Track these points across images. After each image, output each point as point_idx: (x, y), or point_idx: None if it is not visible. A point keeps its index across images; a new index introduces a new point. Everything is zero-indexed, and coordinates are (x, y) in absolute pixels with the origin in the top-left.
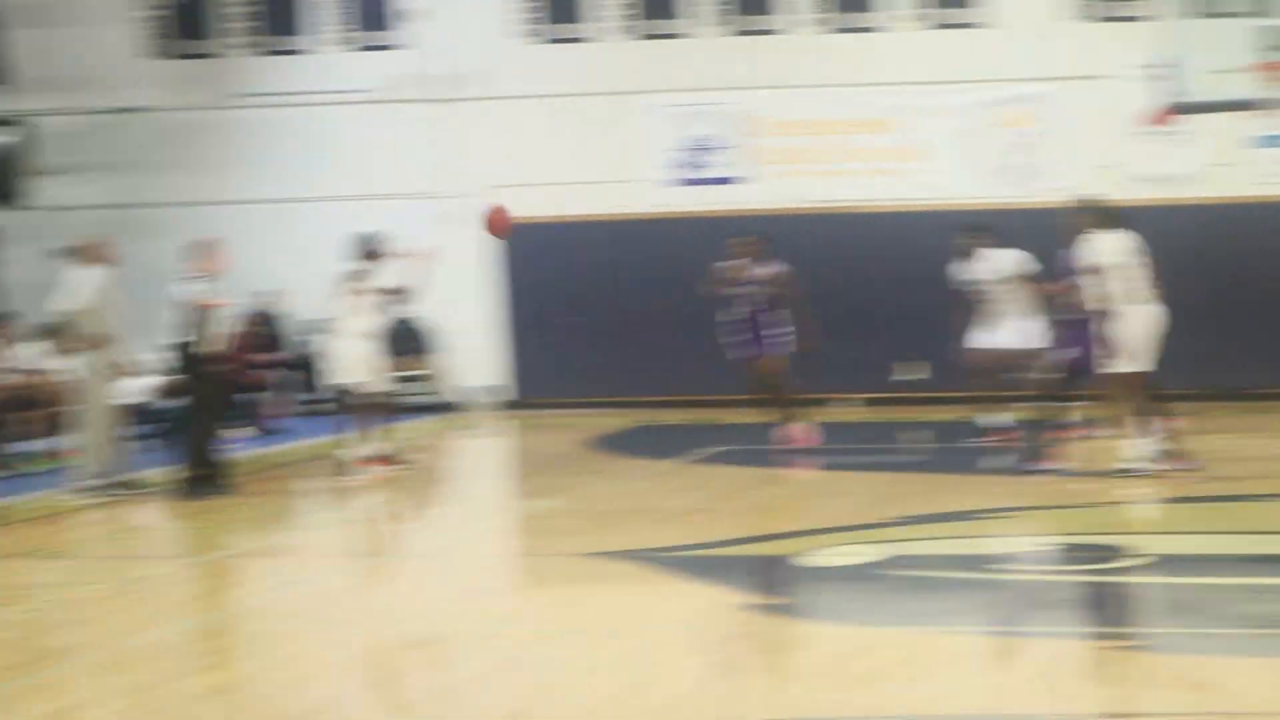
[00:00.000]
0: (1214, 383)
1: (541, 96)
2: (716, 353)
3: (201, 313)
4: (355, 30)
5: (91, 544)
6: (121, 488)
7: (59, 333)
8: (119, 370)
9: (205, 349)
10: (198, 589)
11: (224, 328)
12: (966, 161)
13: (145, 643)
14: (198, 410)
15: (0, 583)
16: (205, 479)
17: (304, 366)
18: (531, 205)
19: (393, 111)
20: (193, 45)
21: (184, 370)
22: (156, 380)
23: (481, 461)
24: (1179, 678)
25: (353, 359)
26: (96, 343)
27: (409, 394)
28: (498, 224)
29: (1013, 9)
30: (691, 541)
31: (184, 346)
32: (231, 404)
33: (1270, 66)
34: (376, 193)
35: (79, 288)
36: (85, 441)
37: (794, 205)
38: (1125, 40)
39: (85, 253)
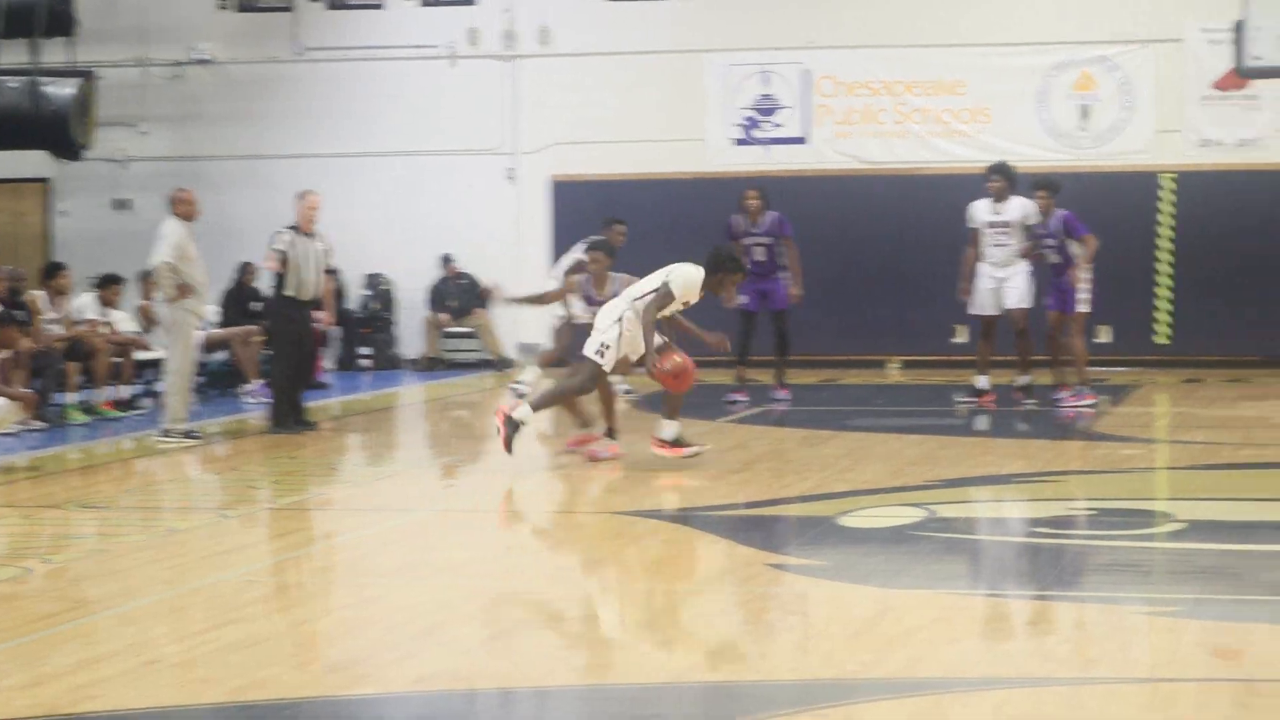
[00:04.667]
0: (1265, 350)
1: (607, 54)
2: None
3: (297, 259)
4: None
5: (135, 494)
6: (192, 436)
7: (153, 282)
8: (199, 320)
9: (299, 295)
10: (230, 542)
11: (318, 276)
12: (1035, 124)
13: (184, 593)
14: (287, 356)
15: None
16: (292, 422)
17: (366, 322)
18: (591, 162)
19: (461, 67)
20: None
21: (276, 315)
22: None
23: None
24: (1211, 644)
25: None
26: (185, 292)
27: (460, 350)
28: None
29: None
30: (729, 501)
31: (278, 292)
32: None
33: None
34: (443, 148)
35: (169, 239)
36: (170, 390)
37: (856, 166)
38: (1197, 4)
39: (175, 204)
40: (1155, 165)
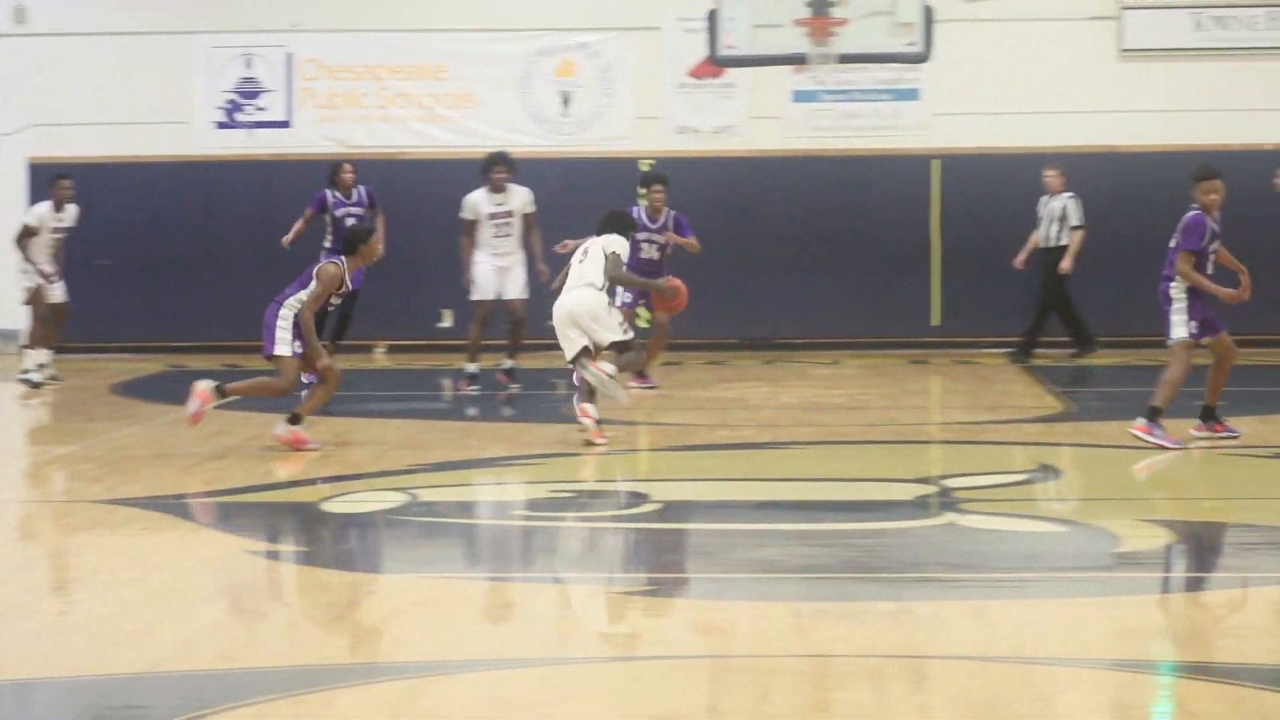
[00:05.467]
0: (743, 333)
1: (83, 34)
2: (253, 298)
3: None
4: None
5: None
6: None
7: None
8: None
9: None
10: None
11: None
12: (518, 110)
13: None
14: None
15: None
16: None
17: None
18: (71, 145)
19: None
20: None
21: None
22: None
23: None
24: (691, 622)
25: None
26: None
27: None
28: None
29: None
30: (210, 488)
31: None
32: None
33: (814, 22)
34: None
35: None
36: None
37: (339, 150)
38: None
39: None
40: (635, 152)
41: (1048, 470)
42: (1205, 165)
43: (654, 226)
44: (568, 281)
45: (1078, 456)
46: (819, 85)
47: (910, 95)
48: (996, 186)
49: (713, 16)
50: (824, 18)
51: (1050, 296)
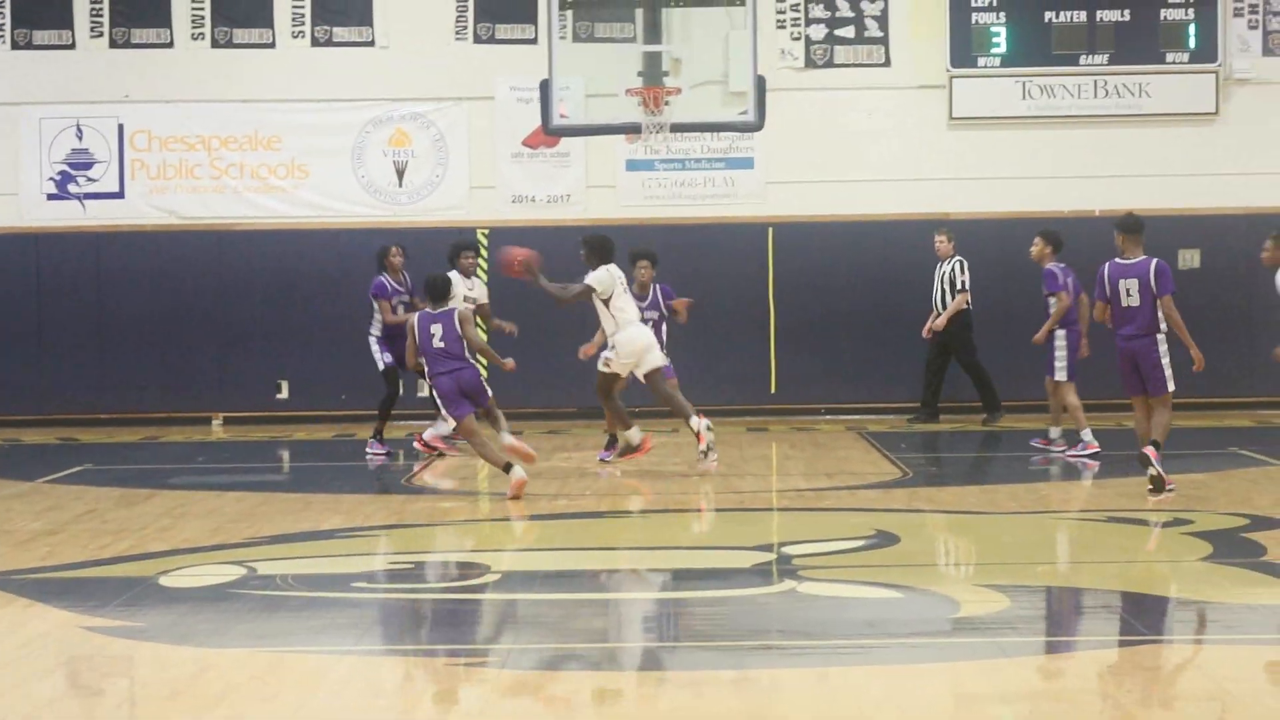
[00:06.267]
0: (580, 402)
1: None
2: (84, 369)
3: None
4: None
5: None
6: None
7: None
8: None
9: None
10: None
11: None
12: (352, 180)
13: None
14: None
15: None
16: None
17: None
18: None
19: None
20: None
21: None
22: None
23: None
24: (532, 692)
25: None
26: None
27: None
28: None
29: (399, 28)
30: (44, 564)
31: None
32: None
33: (648, 91)
34: None
35: None
36: None
37: (171, 222)
38: (510, 62)
39: None
40: (470, 221)
41: (886, 536)
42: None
43: (644, 304)
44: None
45: (916, 522)
46: (653, 154)
47: (745, 164)
48: (830, 254)
49: (545, 86)
50: (656, 87)
51: (964, 357)
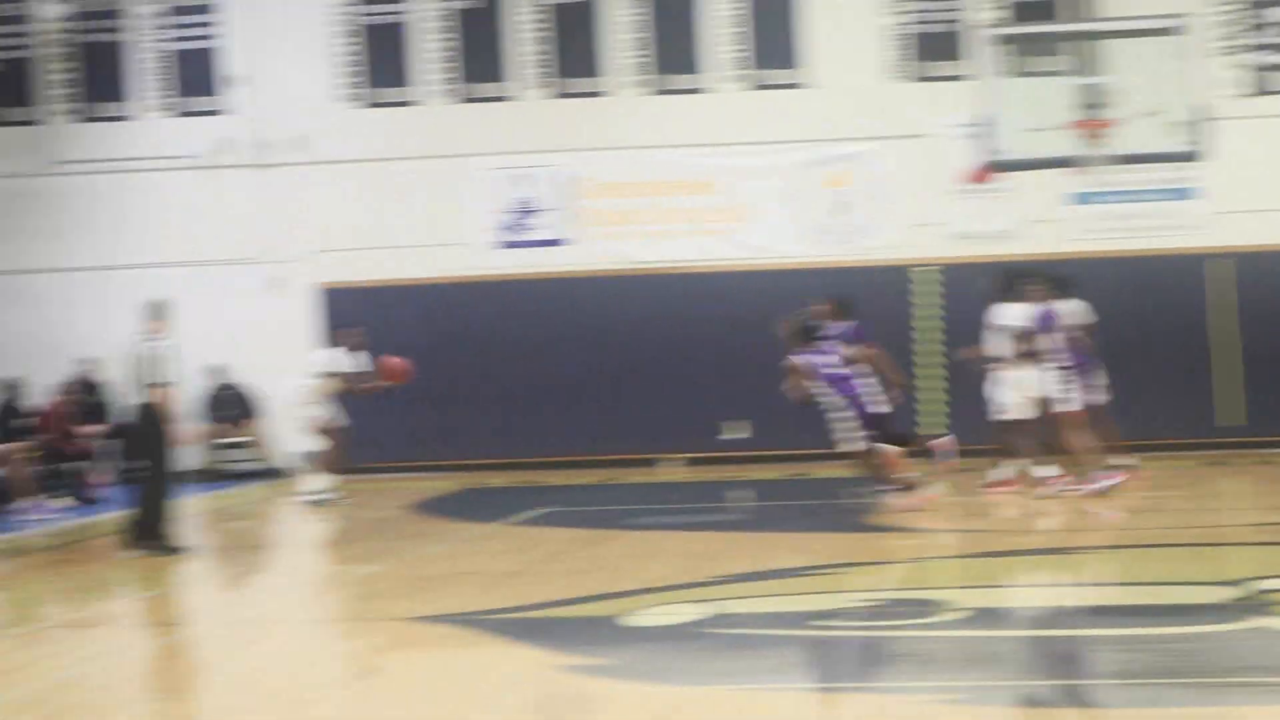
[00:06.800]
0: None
1: (365, 160)
2: (540, 415)
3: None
4: (177, 96)
5: None
6: None
7: None
8: None
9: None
10: (9, 662)
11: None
12: (788, 221)
13: None
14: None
15: None
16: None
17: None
18: (356, 269)
19: (216, 177)
20: (13, 112)
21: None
22: None
23: (305, 527)
24: None
25: None
26: None
27: (233, 460)
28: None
29: (832, 70)
30: (514, 604)
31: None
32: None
33: (1086, 124)
34: (202, 259)
35: None
36: None
37: (617, 267)
38: (943, 99)
39: None
40: (909, 260)
41: None
42: None
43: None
44: None
45: None
46: (1098, 187)
47: (1187, 194)
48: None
49: (982, 121)
50: (1095, 120)
51: None
